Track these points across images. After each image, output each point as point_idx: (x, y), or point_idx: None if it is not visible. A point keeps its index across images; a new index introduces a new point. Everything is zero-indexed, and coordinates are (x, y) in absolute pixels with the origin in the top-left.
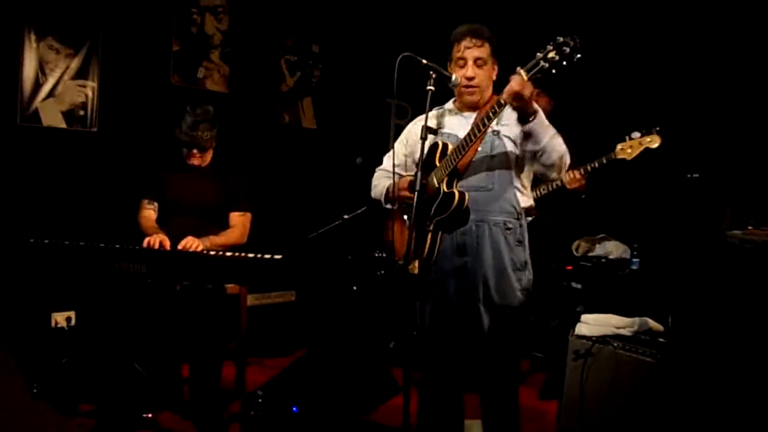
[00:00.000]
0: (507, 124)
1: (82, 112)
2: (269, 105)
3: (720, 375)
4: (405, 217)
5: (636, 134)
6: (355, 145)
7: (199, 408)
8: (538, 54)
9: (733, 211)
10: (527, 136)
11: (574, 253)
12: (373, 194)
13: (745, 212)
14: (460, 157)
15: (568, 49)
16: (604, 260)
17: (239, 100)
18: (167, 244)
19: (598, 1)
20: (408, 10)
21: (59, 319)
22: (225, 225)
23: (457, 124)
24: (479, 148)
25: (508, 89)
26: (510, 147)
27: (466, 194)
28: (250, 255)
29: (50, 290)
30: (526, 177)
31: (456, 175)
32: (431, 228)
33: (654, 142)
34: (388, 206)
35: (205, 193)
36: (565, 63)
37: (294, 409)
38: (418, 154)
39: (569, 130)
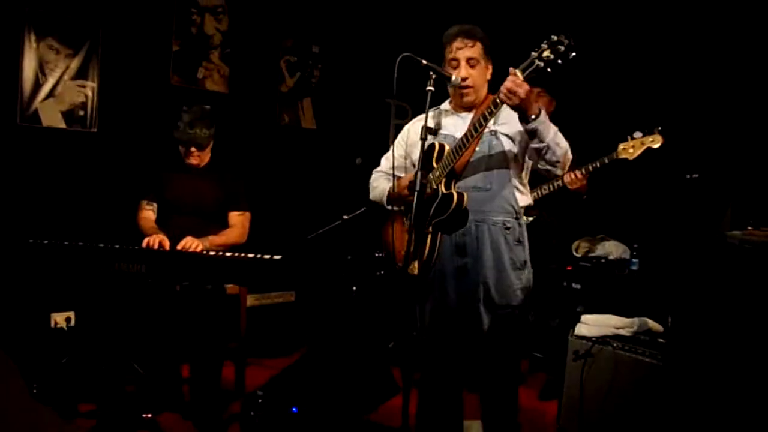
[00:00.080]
0: (505, 123)
1: (81, 113)
2: (269, 105)
3: (720, 375)
4: (404, 219)
5: (638, 134)
6: (355, 146)
7: (199, 408)
8: (533, 53)
9: (732, 211)
10: (531, 134)
11: (574, 253)
12: (371, 196)
13: (744, 212)
14: (457, 158)
15: (562, 48)
16: (603, 261)
17: (239, 100)
18: (167, 245)
19: (599, 0)
20: (408, 10)
21: (59, 319)
22: (224, 225)
23: (453, 125)
24: (477, 148)
25: (502, 88)
26: (508, 146)
27: (465, 195)
28: (250, 255)
29: (50, 290)
30: (525, 176)
31: (454, 175)
32: (430, 230)
33: (656, 142)
34: (391, 208)
35: (204, 193)
36: (560, 62)
37: (294, 409)
38: (415, 155)
39: (570, 130)
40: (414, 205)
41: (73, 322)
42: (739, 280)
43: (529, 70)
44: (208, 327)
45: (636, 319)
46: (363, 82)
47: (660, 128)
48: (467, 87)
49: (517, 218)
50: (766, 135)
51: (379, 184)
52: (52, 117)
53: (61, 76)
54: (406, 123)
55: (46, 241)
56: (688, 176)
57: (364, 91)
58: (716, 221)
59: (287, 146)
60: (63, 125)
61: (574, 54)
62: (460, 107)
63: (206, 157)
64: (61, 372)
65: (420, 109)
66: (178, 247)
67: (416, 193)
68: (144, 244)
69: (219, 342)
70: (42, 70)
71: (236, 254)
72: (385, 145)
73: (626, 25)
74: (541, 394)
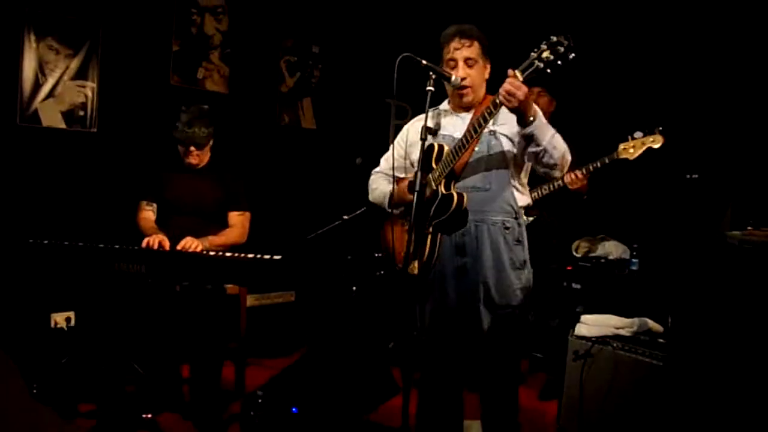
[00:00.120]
0: (504, 123)
1: (81, 113)
2: (269, 105)
3: (720, 375)
4: (403, 220)
5: (638, 134)
6: (355, 146)
7: (199, 408)
8: (533, 53)
9: (732, 211)
10: (527, 139)
11: (574, 253)
12: (371, 198)
13: (744, 213)
14: (457, 158)
15: (562, 49)
16: (603, 261)
17: (239, 100)
18: (167, 245)
19: (601, 1)
20: (408, 10)
21: (59, 319)
22: (224, 225)
23: (452, 125)
24: (476, 149)
25: (501, 90)
26: (507, 146)
27: (465, 196)
28: (250, 255)
29: (50, 291)
30: (524, 175)
31: (453, 176)
32: (430, 230)
33: (656, 142)
34: (392, 211)
35: (204, 193)
36: (560, 62)
37: (294, 409)
38: (414, 155)
39: (571, 129)
40: (413, 205)
41: (73, 322)
42: (739, 280)
43: (529, 71)
44: (208, 327)
45: (636, 319)
46: (363, 82)
47: (660, 128)
48: (466, 87)
49: (516, 218)
50: (766, 135)
51: (379, 185)
52: (52, 117)
53: (60, 77)
54: (406, 123)
55: (46, 241)
56: (688, 176)
57: (364, 91)
58: (716, 221)
59: (287, 146)
60: (63, 125)
61: (573, 55)
62: (459, 107)
63: (206, 157)
64: (61, 372)
65: (420, 109)
66: (178, 247)
67: (416, 193)
68: (144, 244)
69: (219, 342)
70: (42, 70)
71: (236, 254)
72: (385, 146)
73: (627, 25)
74: (541, 394)
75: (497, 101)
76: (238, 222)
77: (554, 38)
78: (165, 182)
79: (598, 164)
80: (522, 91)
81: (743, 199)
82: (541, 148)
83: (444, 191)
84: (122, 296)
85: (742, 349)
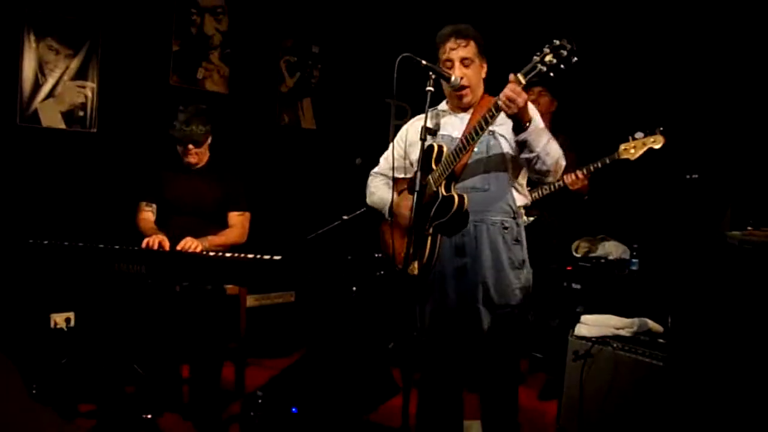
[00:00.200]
0: (503, 124)
1: (81, 113)
2: (269, 106)
3: (720, 375)
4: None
5: (639, 134)
6: (355, 146)
7: (198, 408)
8: (535, 57)
9: (732, 211)
10: (521, 145)
11: (574, 253)
12: (369, 201)
13: (744, 213)
14: (457, 160)
15: (565, 52)
16: (603, 261)
17: (239, 100)
18: (166, 245)
19: (602, 1)
20: (407, 10)
21: (58, 319)
22: (224, 225)
23: (451, 125)
24: (475, 149)
25: (502, 96)
26: (506, 146)
27: (466, 197)
28: (250, 256)
29: (49, 291)
30: (523, 176)
31: (453, 177)
32: (430, 231)
33: (657, 142)
34: (391, 219)
35: (204, 193)
36: (563, 66)
37: (294, 409)
38: (413, 155)
39: (572, 130)
40: (413, 206)
41: (72, 323)
42: (738, 280)
43: (532, 74)
44: (207, 327)
45: (636, 320)
46: (363, 82)
47: (661, 129)
48: (465, 88)
49: (514, 218)
50: (765, 135)
51: (378, 190)
52: (51, 117)
53: (60, 77)
54: (406, 123)
55: (45, 242)
56: (688, 177)
57: (364, 91)
58: (716, 221)
59: (287, 146)
60: (63, 125)
61: (576, 59)
62: (458, 108)
63: (205, 156)
64: (61, 372)
65: (419, 110)
66: (178, 248)
67: (415, 193)
68: (144, 244)
69: (219, 342)
70: (42, 70)
71: (236, 255)
72: (384, 146)
73: (627, 26)
74: (540, 394)
75: (498, 104)
76: (237, 222)
77: (557, 42)
78: (165, 182)
79: (599, 164)
80: (522, 98)
81: (743, 200)
82: (534, 154)
83: (444, 193)
84: (122, 297)
85: (742, 349)
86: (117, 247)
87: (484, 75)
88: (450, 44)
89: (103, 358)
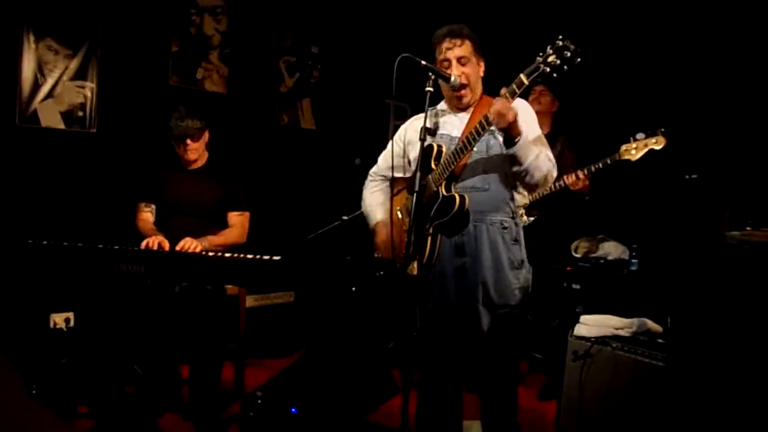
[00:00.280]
0: None
1: (80, 113)
2: (268, 106)
3: (719, 375)
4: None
5: (641, 135)
6: (354, 146)
7: (198, 409)
8: (538, 57)
9: (731, 212)
10: (511, 157)
11: (574, 253)
12: (362, 206)
13: (743, 213)
14: (457, 161)
15: (568, 53)
16: (603, 261)
17: (238, 100)
18: (166, 246)
19: (603, 2)
20: (407, 11)
21: (58, 320)
22: (224, 225)
23: (450, 124)
24: (474, 149)
25: (492, 110)
26: None
27: (467, 197)
28: (249, 256)
29: (49, 291)
30: None
31: (453, 178)
32: (430, 231)
33: (659, 143)
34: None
35: (203, 193)
36: (566, 67)
37: (293, 410)
38: (412, 155)
39: (573, 130)
40: (413, 206)
41: (72, 323)
42: (737, 280)
43: (534, 75)
44: (207, 328)
45: (635, 320)
46: (362, 82)
47: (663, 130)
48: (464, 87)
49: (513, 218)
50: (765, 136)
51: (372, 200)
52: (51, 117)
53: (60, 77)
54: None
55: (45, 242)
56: (687, 177)
57: (364, 91)
58: (715, 222)
59: (286, 147)
60: (62, 126)
61: (579, 60)
62: (456, 107)
63: (204, 155)
64: (61, 373)
65: (419, 110)
66: (177, 248)
67: (415, 194)
68: (143, 245)
69: (218, 343)
70: (41, 70)
71: (235, 255)
72: (384, 146)
73: (629, 27)
74: (540, 395)
75: (488, 117)
76: (237, 222)
77: (560, 42)
78: (164, 183)
79: (600, 165)
80: (511, 114)
81: (742, 200)
82: (523, 167)
83: (445, 193)
84: (122, 297)
85: (742, 350)
86: (116, 247)
87: (482, 74)
88: (446, 44)
89: (103, 358)
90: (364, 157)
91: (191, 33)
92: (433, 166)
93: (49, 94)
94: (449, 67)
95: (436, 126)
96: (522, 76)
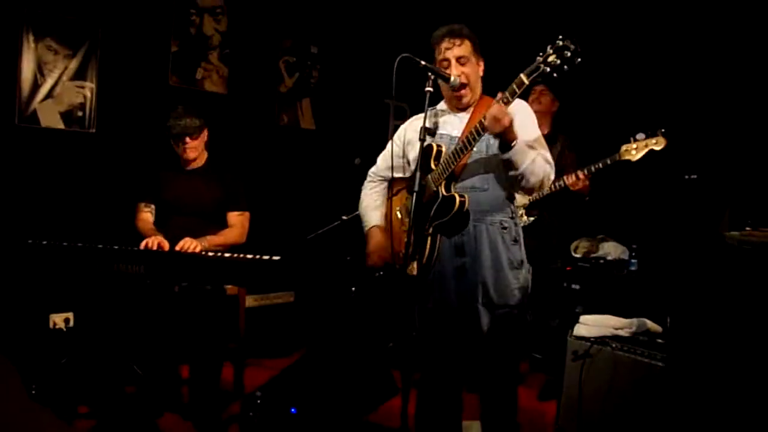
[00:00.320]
0: None
1: (80, 113)
2: (268, 106)
3: (719, 376)
4: (403, 220)
5: (641, 136)
6: (354, 146)
7: (198, 409)
8: (539, 57)
9: (731, 212)
10: (507, 162)
11: (573, 253)
12: (359, 208)
13: (743, 213)
14: (457, 161)
15: (569, 53)
16: (602, 261)
17: (238, 101)
18: (166, 246)
19: (604, 3)
20: (407, 11)
21: (57, 320)
22: (223, 225)
23: (450, 124)
24: (474, 149)
25: (488, 115)
26: None
27: (467, 197)
28: (249, 256)
29: (48, 291)
30: None
31: (453, 178)
32: (430, 231)
33: (659, 144)
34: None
35: (203, 193)
36: (566, 67)
37: (293, 410)
38: (411, 154)
39: (574, 130)
40: (412, 206)
41: (72, 323)
42: (737, 280)
43: (535, 74)
44: (207, 328)
45: (635, 320)
46: (362, 82)
47: (663, 130)
48: (464, 87)
49: (513, 218)
50: (764, 136)
51: (369, 203)
52: (50, 118)
53: (59, 77)
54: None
55: (45, 242)
56: (686, 177)
57: (363, 91)
58: (715, 222)
59: (286, 147)
60: (61, 126)
61: (579, 60)
62: (456, 107)
63: (203, 155)
64: (60, 373)
65: (418, 110)
66: (177, 248)
67: (414, 194)
68: (142, 245)
69: (218, 343)
70: (40, 70)
71: (235, 255)
72: (383, 146)
73: (629, 28)
74: (540, 395)
75: (483, 123)
76: (237, 222)
77: (560, 42)
78: (163, 183)
79: (600, 165)
80: (507, 119)
81: (742, 200)
82: (518, 172)
83: (445, 193)
84: (121, 297)
85: (741, 350)
86: (116, 247)
87: (481, 73)
88: (445, 44)
89: (103, 358)
90: (364, 157)
91: (191, 33)
92: (432, 166)
93: (49, 94)
94: (449, 66)
95: (436, 126)
96: (522, 75)
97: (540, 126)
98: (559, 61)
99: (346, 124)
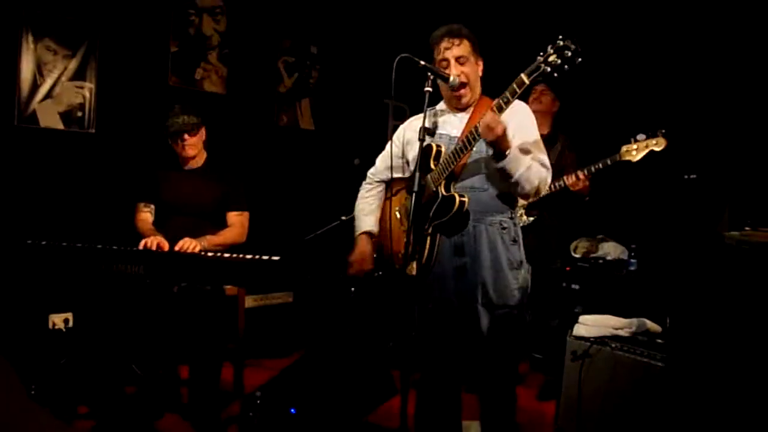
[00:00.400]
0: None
1: (79, 114)
2: (267, 106)
3: (718, 376)
4: (402, 220)
5: (641, 136)
6: (353, 147)
7: (197, 409)
8: (539, 57)
9: (730, 212)
10: (501, 171)
11: (573, 253)
12: (355, 210)
13: (742, 213)
14: (457, 161)
15: (569, 53)
16: (602, 261)
17: (237, 101)
18: (165, 246)
19: (604, 3)
20: (406, 11)
21: (57, 320)
22: (223, 225)
23: (450, 124)
24: (474, 149)
25: (481, 123)
26: None
27: (466, 197)
28: (248, 256)
29: (47, 292)
30: None
31: (453, 178)
32: (429, 231)
33: (659, 144)
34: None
35: (202, 192)
36: (566, 67)
37: (292, 410)
38: (410, 155)
39: (574, 130)
40: (412, 205)
41: (71, 324)
42: (736, 280)
43: (535, 74)
44: (206, 328)
45: (634, 320)
46: (361, 82)
47: (663, 131)
48: (463, 86)
49: (512, 218)
50: (764, 136)
51: (364, 207)
52: (49, 118)
53: (58, 77)
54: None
55: (44, 242)
56: (686, 177)
57: (363, 91)
58: (714, 222)
59: (285, 147)
60: (61, 126)
61: (580, 59)
62: (455, 107)
63: (202, 154)
64: (60, 373)
65: (418, 110)
66: (176, 248)
67: (414, 193)
68: (142, 245)
69: (217, 343)
70: (40, 71)
71: (234, 255)
72: (383, 146)
73: (630, 28)
74: (539, 395)
75: (477, 130)
76: (237, 222)
77: (561, 42)
78: (163, 183)
79: (600, 165)
80: (500, 127)
81: (741, 200)
82: (513, 180)
83: (444, 192)
84: (120, 297)
85: (741, 350)
86: (115, 247)
87: (480, 73)
88: (444, 44)
89: (102, 358)
90: (363, 157)
91: (190, 33)
92: (432, 166)
93: (48, 95)
94: (448, 66)
95: (435, 126)
96: (523, 75)
97: (540, 126)
98: (559, 61)
99: (346, 125)
